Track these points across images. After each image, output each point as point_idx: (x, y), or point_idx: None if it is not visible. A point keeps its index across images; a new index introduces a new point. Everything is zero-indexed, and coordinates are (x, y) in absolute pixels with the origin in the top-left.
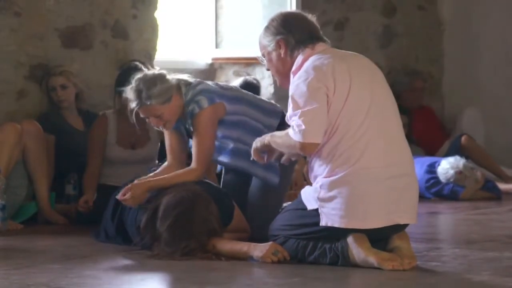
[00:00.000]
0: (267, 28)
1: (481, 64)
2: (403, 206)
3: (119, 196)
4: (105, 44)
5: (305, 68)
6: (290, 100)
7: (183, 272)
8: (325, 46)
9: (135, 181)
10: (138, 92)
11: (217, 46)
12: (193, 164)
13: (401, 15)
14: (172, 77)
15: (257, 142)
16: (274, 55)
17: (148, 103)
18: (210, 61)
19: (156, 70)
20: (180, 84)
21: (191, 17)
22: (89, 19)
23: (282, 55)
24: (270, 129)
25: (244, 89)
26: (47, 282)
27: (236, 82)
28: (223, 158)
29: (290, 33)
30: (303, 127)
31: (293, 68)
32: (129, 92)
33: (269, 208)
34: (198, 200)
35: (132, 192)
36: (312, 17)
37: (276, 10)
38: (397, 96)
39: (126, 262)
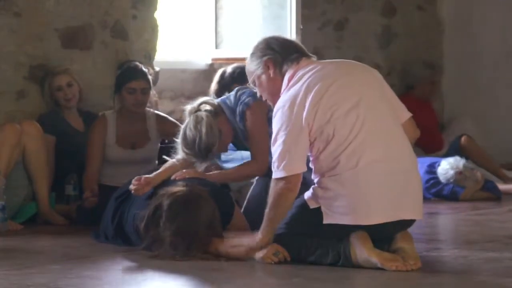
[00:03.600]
0: (252, 54)
1: (481, 64)
2: (407, 202)
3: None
4: (105, 45)
5: (285, 94)
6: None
7: (183, 272)
8: (310, 61)
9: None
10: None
11: (217, 46)
12: (253, 158)
13: (401, 15)
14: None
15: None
16: (263, 77)
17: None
18: (209, 62)
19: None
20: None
21: (191, 18)
22: (89, 20)
23: (271, 75)
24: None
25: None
26: (47, 283)
27: (229, 68)
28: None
29: (276, 52)
30: (283, 162)
31: (283, 88)
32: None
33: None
34: (202, 204)
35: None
36: (296, 39)
37: (276, 11)
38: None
39: (126, 262)
